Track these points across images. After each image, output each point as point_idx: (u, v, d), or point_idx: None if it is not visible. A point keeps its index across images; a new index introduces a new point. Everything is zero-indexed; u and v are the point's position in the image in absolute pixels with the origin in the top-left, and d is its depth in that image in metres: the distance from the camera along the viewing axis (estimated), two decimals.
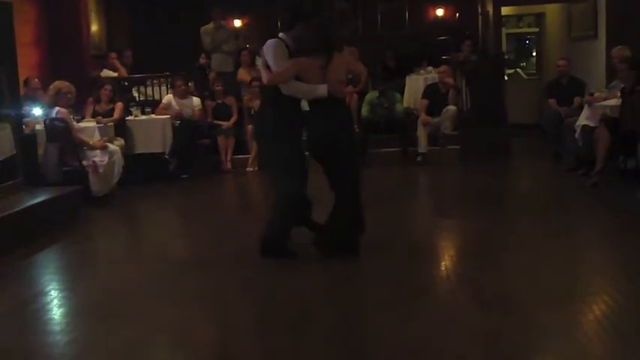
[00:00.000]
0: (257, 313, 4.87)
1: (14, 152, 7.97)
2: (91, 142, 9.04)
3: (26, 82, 9.96)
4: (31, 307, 5.08)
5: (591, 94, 9.44)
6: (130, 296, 5.30)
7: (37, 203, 7.45)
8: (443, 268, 5.83)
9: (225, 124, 11.54)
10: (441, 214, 7.96)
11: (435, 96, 11.42)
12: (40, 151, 8.80)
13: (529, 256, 5.89)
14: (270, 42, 5.95)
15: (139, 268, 6.14)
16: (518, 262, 5.75)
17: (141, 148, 10.58)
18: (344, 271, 5.70)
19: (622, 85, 8.59)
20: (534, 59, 16.47)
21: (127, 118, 10.64)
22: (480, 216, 7.52)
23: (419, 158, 11.04)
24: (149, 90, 12.38)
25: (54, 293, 5.54)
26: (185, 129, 10.87)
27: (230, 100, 11.84)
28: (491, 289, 5.03)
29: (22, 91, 9.57)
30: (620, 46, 9.57)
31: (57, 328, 4.76)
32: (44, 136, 8.86)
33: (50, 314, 5.00)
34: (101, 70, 12.30)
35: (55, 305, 5.19)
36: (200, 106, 11.36)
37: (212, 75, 12.66)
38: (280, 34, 6.06)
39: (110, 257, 6.77)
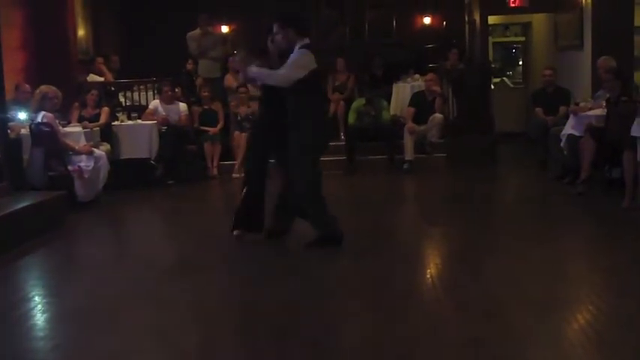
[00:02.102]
0: (242, 317, 4.87)
1: None
2: (76, 147, 9.00)
3: (17, 88, 9.94)
4: (15, 313, 5.04)
5: (577, 104, 9.48)
6: (114, 302, 5.27)
7: (22, 208, 7.40)
8: (428, 275, 5.85)
9: (211, 130, 11.52)
10: (427, 222, 7.97)
11: (421, 104, 11.46)
12: (26, 156, 8.74)
13: (514, 263, 5.91)
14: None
15: (124, 274, 6.12)
16: (503, 270, 5.76)
17: (127, 154, 10.54)
18: (329, 277, 5.70)
19: (607, 95, 8.63)
20: (520, 68, 16.55)
21: (113, 124, 10.60)
22: (466, 223, 7.55)
23: (405, 166, 11.05)
24: (136, 95, 12.34)
25: (38, 299, 5.51)
26: (171, 135, 10.85)
27: (217, 106, 11.83)
28: (476, 296, 5.04)
29: (13, 95, 9.58)
30: (605, 57, 9.61)
31: (41, 333, 4.73)
32: (30, 141, 8.81)
33: (34, 320, 4.97)
34: (88, 75, 12.25)
35: (39, 311, 5.16)
36: (187, 112, 11.34)
37: (199, 81, 12.64)
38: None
39: (95, 262, 6.72)
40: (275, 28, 6.49)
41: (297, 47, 6.36)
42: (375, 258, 6.19)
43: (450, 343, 4.21)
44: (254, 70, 6.50)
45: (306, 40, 6.41)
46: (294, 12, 7.50)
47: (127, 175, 10.14)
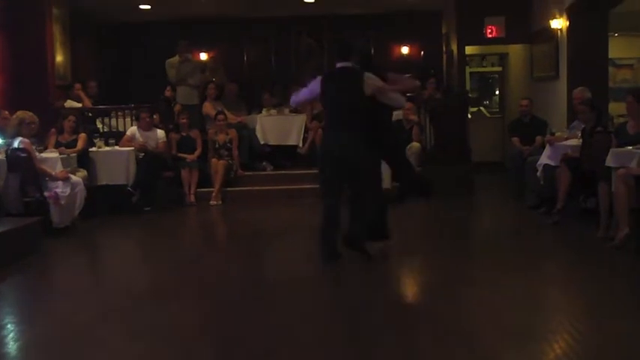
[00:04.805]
0: (218, 348, 4.83)
1: None
2: (53, 173, 8.95)
3: None
4: None
5: (552, 134, 9.57)
6: (88, 329, 5.22)
7: None
8: (405, 304, 5.84)
9: (189, 157, 11.52)
10: (404, 250, 7.96)
11: (399, 133, 11.49)
12: (1, 182, 8.68)
13: (491, 292, 5.92)
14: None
15: (99, 301, 6.07)
16: (479, 299, 5.77)
17: (104, 180, 10.51)
18: (306, 306, 5.68)
19: (582, 126, 8.72)
20: (497, 98, 16.69)
21: (90, 150, 10.57)
22: (443, 252, 7.56)
23: None
24: (113, 121, 12.33)
25: (11, 326, 5.44)
26: (149, 161, 10.82)
27: (195, 134, 11.84)
28: (452, 325, 5.04)
29: None
30: (581, 88, 9.73)
31: None
32: (5, 166, 8.75)
33: (7, 348, 4.90)
34: (65, 101, 12.23)
35: (12, 339, 5.09)
36: (164, 139, 11.32)
37: (177, 107, 12.64)
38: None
39: (70, 290, 6.67)
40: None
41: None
42: (351, 286, 6.19)
43: None
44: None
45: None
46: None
47: (103, 202, 10.10)
